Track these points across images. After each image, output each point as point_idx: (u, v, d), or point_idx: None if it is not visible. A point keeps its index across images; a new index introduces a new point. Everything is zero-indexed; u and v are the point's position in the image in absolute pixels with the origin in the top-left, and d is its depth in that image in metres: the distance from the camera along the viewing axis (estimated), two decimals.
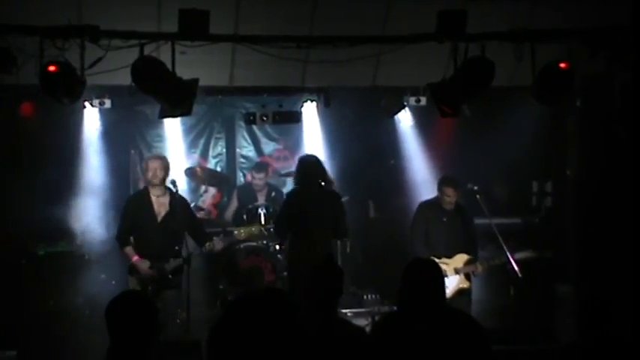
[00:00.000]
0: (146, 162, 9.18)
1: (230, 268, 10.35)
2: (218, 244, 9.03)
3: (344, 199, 10.85)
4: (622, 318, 8.55)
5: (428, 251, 9.08)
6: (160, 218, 8.95)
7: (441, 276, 5.03)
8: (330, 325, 5.01)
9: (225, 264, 10.35)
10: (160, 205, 8.97)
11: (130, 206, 9.09)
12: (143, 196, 9.08)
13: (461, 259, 9.38)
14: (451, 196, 9.41)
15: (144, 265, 8.75)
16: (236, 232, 9.34)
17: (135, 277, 8.79)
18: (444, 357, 4.76)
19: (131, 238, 9.00)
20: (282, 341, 2.98)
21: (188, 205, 9.11)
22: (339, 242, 10.67)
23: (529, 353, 7.39)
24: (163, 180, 9.00)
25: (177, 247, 8.87)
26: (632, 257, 8.85)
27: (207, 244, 8.97)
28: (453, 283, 9.23)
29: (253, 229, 9.27)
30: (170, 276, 8.78)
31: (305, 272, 5.51)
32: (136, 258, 8.79)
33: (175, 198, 8.96)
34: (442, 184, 9.52)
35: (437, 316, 4.84)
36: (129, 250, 8.89)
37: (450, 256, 9.33)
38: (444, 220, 9.49)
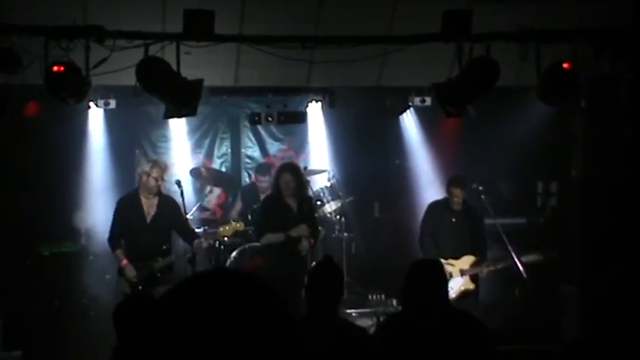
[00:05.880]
0: (149, 168, 8.96)
1: (235, 268, 10.35)
2: (203, 242, 9.01)
3: (349, 199, 10.89)
4: (626, 317, 8.55)
5: (436, 251, 9.07)
6: (149, 219, 9.00)
7: (443, 276, 5.02)
8: (330, 325, 4.97)
9: (230, 265, 10.35)
10: (150, 206, 9.02)
11: (121, 209, 9.11)
12: (133, 199, 9.09)
13: (467, 260, 9.36)
14: (459, 197, 9.39)
15: (130, 272, 8.81)
16: (221, 229, 9.32)
17: (124, 278, 8.87)
18: (449, 357, 4.75)
19: (122, 240, 9.06)
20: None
21: (177, 205, 9.08)
22: (344, 242, 10.70)
23: (534, 353, 7.39)
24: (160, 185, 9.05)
25: (165, 247, 8.96)
26: (637, 257, 8.84)
27: (196, 241, 8.95)
28: (457, 284, 9.20)
29: (238, 225, 9.28)
30: (159, 274, 8.84)
31: None
32: (124, 262, 8.86)
33: (164, 199, 9.04)
34: (450, 184, 9.51)
35: (440, 317, 4.83)
36: (119, 253, 8.97)
37: (457, 257, 9.31)
38: (453, 220, 9.46)
